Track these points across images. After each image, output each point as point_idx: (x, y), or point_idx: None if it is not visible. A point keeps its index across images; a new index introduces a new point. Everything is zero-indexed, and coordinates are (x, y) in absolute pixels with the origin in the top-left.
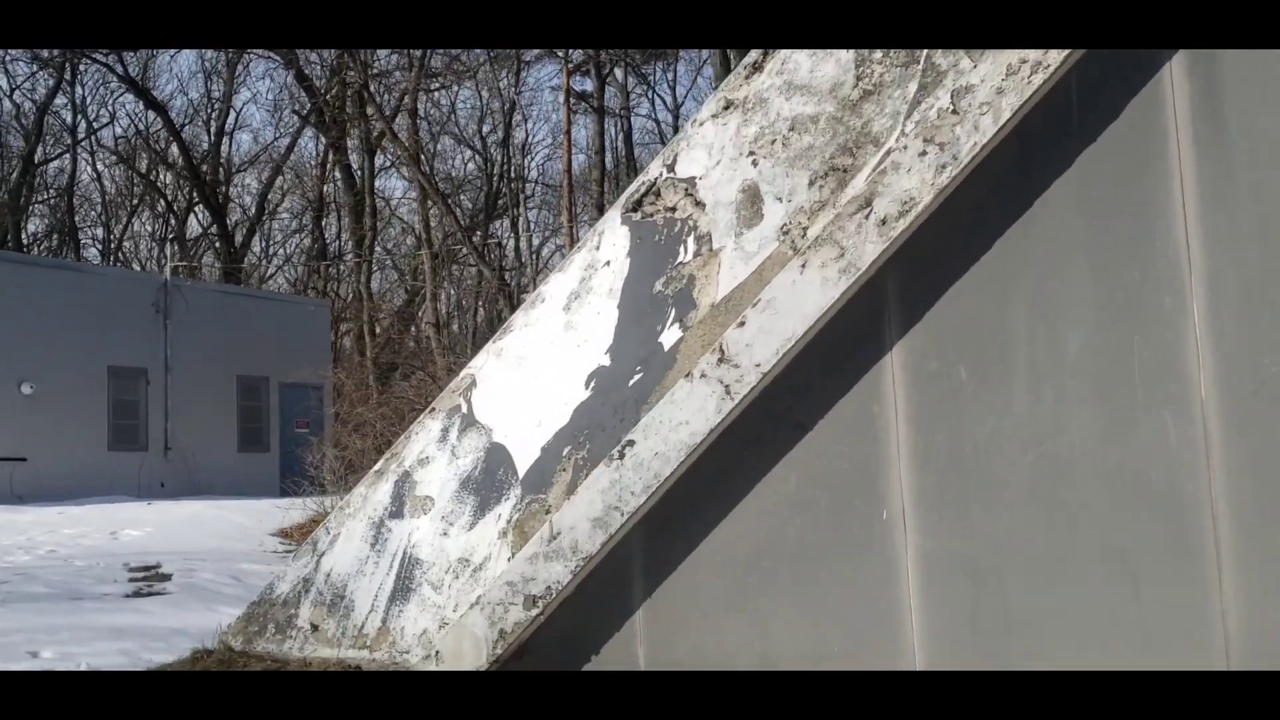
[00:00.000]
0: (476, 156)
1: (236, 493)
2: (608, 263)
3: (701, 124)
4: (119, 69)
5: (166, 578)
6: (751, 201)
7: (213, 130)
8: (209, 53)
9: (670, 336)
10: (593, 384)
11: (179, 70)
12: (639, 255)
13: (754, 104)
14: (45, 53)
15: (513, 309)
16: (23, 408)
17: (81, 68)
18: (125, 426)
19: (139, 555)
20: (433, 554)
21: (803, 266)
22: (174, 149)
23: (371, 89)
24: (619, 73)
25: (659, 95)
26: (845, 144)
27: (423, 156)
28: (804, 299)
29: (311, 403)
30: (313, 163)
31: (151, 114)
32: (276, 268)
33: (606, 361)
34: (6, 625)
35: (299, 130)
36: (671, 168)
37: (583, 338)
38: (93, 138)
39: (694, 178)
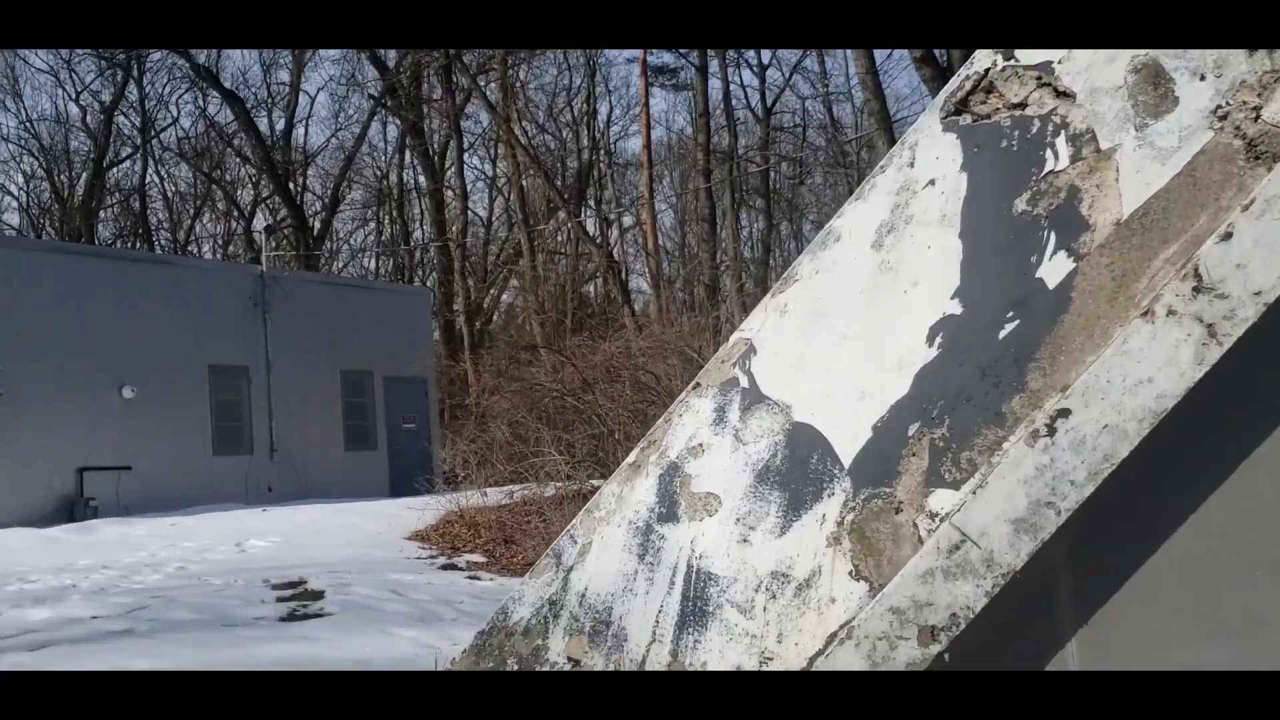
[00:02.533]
0: (546, 136)
1: (346, 494)
2: (931, 182)
3: None
4: (185, 63)
5: (318, 595)
6: (1152, 83)
7: (280, 121)
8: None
9: (1055, 269)
10: (939, 339)
11: (241, 61)
12: (978, 168)
13: None
14: (112, 53)
15: (623, 287)
16: (124, 413)
17: (147, 66)
18: (229, 429)
19: (275, 570)
20: (731, 567)
21: None
22: (242, 141)
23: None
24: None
25: (744, 59)
26: None
27: (516, 126)
28: None
29: (416, 396)
30: (387, 149)
31: (214, 110)
32: (344, 261)
33: (955, 309)
34: (166, 662)
35: (371, 114)
36: (1010, 54)
37: (910, 280)
38: (158, 138)
39: (1048, 62)
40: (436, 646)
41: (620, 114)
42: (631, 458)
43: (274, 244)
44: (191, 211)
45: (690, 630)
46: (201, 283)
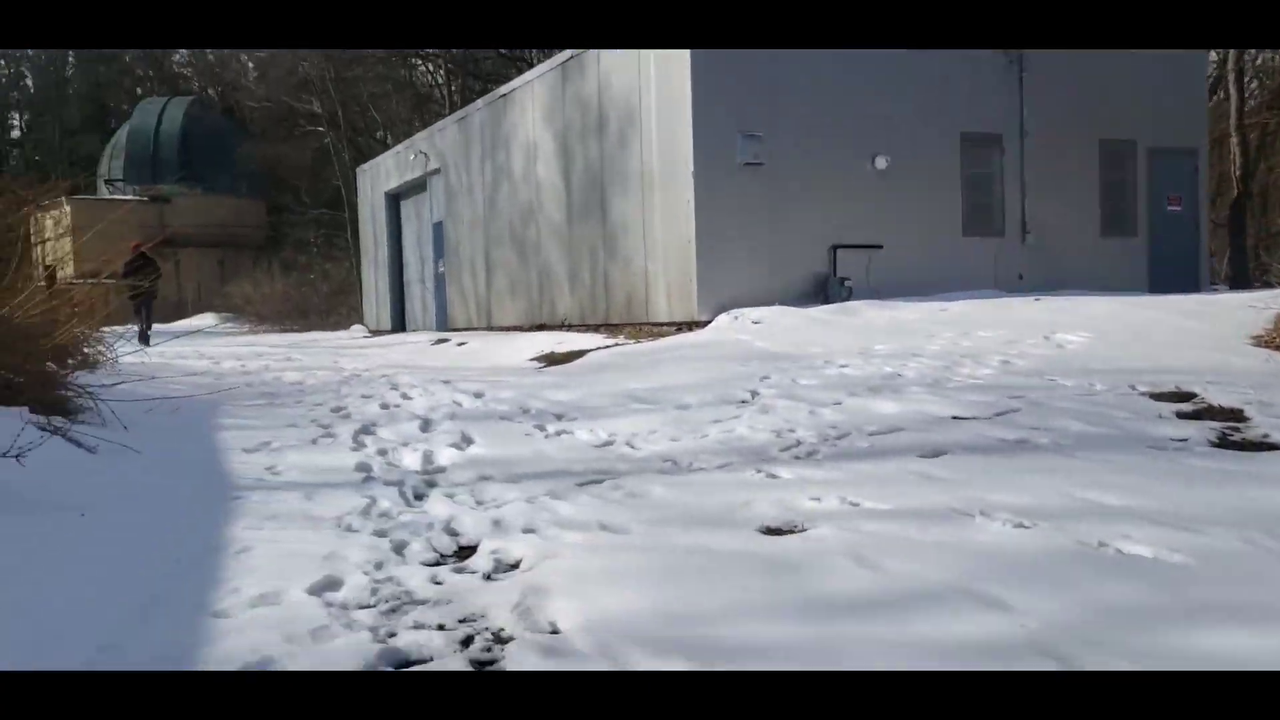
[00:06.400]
0: None
1: (1098, 286)
2: None
3: None
4: None
5: (1234, 414)
6: None
7: None
8: None
9: None
10: None
11: None
12: None
13: None
14: None
15: None
16: (875, 187)
17: None
18: (979, 207)
19: (1123, 373)
20: None
21: None
22: None
23: None
24: None
25: None
26: None
27: None
28: None
29: (1185, 172)
30: None
31: None
32: None
33: None
34: (1146, 503)
35: None
36: None
37: None
38: None
39: None
40: None
41: None
42: None
43: None
44: None
45: None
46: None
